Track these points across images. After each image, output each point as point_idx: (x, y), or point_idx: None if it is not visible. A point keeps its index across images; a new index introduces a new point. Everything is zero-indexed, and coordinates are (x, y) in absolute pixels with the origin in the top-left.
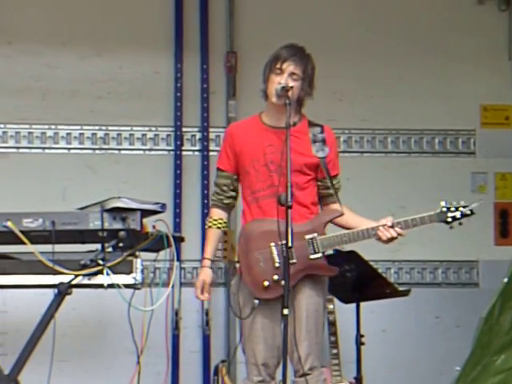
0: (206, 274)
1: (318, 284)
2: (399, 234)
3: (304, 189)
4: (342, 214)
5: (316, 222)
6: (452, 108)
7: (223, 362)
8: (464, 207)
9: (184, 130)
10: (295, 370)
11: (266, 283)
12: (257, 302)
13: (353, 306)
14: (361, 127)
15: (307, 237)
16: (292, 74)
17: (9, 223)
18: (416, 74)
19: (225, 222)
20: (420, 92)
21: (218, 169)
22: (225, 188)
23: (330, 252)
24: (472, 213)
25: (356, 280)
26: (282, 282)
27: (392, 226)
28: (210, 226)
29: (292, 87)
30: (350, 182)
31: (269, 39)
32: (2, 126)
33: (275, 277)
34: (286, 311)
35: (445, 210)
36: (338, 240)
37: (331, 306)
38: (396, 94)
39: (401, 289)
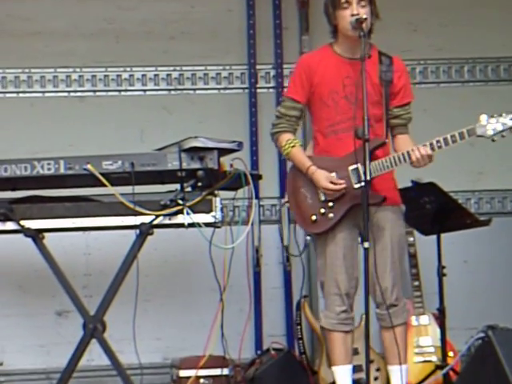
0: (324, 175)
1: (399, 214)
2: (428, 155)
3: (382, 120)
4: (384, 143)
5: (359, 152)
6: None
7: (305, 297)
8: (505, 117)
9: (258, 67)
10: (378, 302)
11: (314, 217)
12: (308, 238)
13: (433, 237)
14: (436, 57)
15: (350, 168)
16: (359, 1)
17: (89, 166)
18: (491, 2)
19: (300, 143)
20: (495, 20)
21: (290, 98)
22: (294, 119)
23: (408, 184)
24: None
25: (436, 211)
26: (330, 215)
27: (429, 147)
28: (293, 146)
29: (366, 19)
30: (427, 113)
31: None
32: (78, 69)
33: (322, 210)
34: (366, 244)
35: (485, 122)
36: (380, 166)
37: (411, 239)
38: (471, 22)
39: (481, 219)
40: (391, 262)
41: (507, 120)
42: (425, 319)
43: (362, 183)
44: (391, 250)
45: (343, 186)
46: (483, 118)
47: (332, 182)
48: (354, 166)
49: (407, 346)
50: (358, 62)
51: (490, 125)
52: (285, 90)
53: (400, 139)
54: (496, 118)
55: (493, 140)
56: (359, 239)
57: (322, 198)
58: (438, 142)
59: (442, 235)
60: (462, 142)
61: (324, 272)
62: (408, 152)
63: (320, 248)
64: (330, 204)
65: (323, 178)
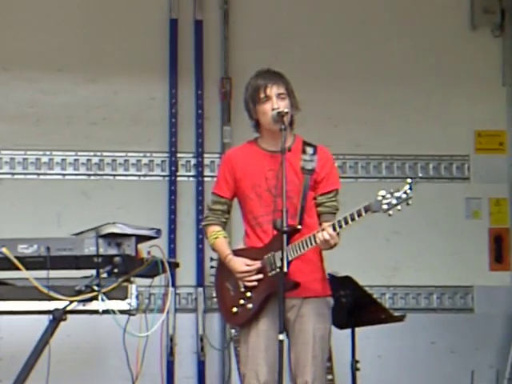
0: (239, 260)
1: (324, 306)
2: (331, 236)
3: (309, 210)
4: (297, 230)
5: (274, 241)
6: (446, 133)
7: None
8: (399, 192)
9: (179, 155)
10: None
11: (235, 309)
12: (233, 331)
13: (348, 331)
14: (355, 153)
15: (265, 256)
16: (279, 94)
17: (4, 249)
18: (410, 100)
19: (226, 234)
20: (414, 117)
21: (215, 194)
22: (219, 213)
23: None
24: (408, 196)
25: (351, 305)
26: (249, 306)
27: (331, 228)
28: (216, 237)
29: (287, 112)
30: (344, 207)
31: (263, 65)
32: None
33: (241, 301)
34: (281, 337)
35: (380, 198)
36: (291, 250)
37: None
38: (390, 119)
39: (396, 314)
40: (312, 356)
41: (401, 194)
42: None
43: (277, 270)
44: (313, 345)
45: (258, 265)
46: (380, 193)
47: (247, 265)
48: (269, 254)
49: None
50: (279, 154)
51: (385, 200)
52: (205, 179)
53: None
54: (391, 194)
55: (389, 214)
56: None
57: (242, 289)
58: (339, 222)
59: (357, 329)
60: (360, 218)
61: (246, 363)
62: (314, 235)
63: (243, 339)
64: (249, 294)
65: (238, 263)
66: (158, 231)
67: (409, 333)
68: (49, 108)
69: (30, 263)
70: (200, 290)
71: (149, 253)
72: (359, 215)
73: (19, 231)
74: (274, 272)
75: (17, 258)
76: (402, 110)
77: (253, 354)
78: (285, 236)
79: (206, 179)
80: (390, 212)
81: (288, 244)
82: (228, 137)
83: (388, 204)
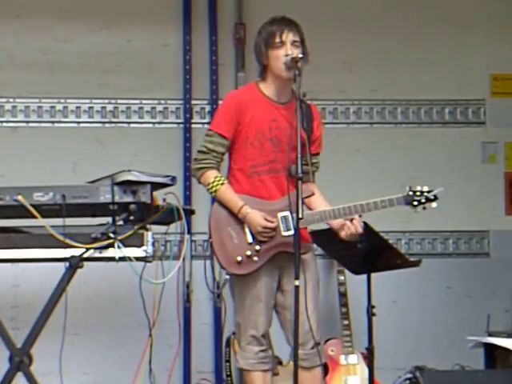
0: (259, 214)
1: (313, 252)
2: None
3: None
4: (312, 195)
5: (291, 199)
6: (462, 78)
7: (235, 333)
8: (428, 192)
9: (193, 102)
10: (300, 343)
11: (239, 258)
12: (227, 277)
13: (364, 276)
14: (370, 98)
15: (280, 214)
16: (293, 41)
17: (19, 197)
18: (425, 44)
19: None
20: (430, 62)
21: (218, 134)
22: (220, 155)
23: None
24: (435, 198)
25: (367, 251)
26: (255, 258)
27: (352, 220)
28: (222, 183)
29: (302, 57)
30: (359, 153)
31: (278, 10)
32: (11, 100)
33: (248, 252)
34: (297, 282)
35: (411, 193)
36: (310, 219)
37: (342, 278)
38: (405, 64)
39: (412, 259)
40: (313, 300)
41: (431, 195)
42: (353, 358)
43: (291, 231)
44: (312, 289)
45: (275, 224)
46: (413, 188)
47: (267, 220)
48: (284, 213)
49: None
50: (284, 106)
51: (416, 197)
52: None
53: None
54: (421, 192)
55: (416, 212)
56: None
57: (250, 240)
58: (368, 205)
59: (373, 275)
60: (391, 208)
61: (242, 313)
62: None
63: (238, 289)
64: (257, 247)
65: (259, 217)
66: (174, 178)
67: (425, 278)
68: (63, 55)
69: (46, 211)
70: None
71: (164, 200)
72: (391, 205)
73: (34, 179)
74: (288, 233)
75: (32, 205)
76: (416, 55)
77: (251, 303)
78: (300, 182)
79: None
80: (418, 209)
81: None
82: (242, 83)
83: (418, 201)
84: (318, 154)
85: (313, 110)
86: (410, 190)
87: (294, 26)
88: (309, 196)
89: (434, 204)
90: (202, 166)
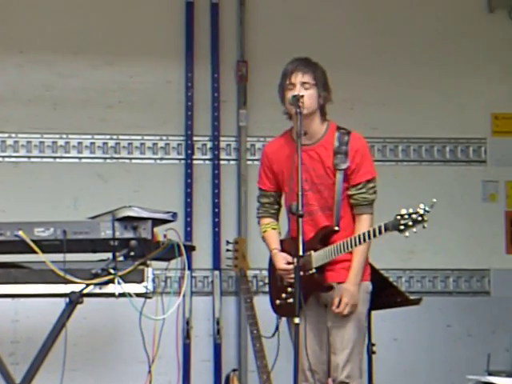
0: (281, 256)
1: (361, 293)
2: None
3: (343, 201)
4: (334, 231)
5: (314, 238)
6: (463, 117)
7: (234, 370)
8: (415, 213)
9: (195, 138)
10: (332, 377)
11: (278, 302)
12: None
13: None
14: (372, 135)
15: (305, 254)
16: (303, 83)
17: (20, 232)
18: (426, 82)
19: (276, 225)
20: (431, 101)
21: (259, 188)
22: (267, 206)
23: None
24: (423, 219)
25: None
26: (289, 300)
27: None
28: (265, 231)
29: (302, 96)
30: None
31: (279, 48)
32: (13, 135)
33: (283, 295)
34: (296, 320)
35: (398, 217)
36: (327, 254)
37: None
38: (406, 102)
39: (412, 297)
40: (346, 339)
41: (417, 217)
42: None
43: (313, 270)
44: (347, 328)
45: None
46: (401, 211)
47: (288, 262)
48: (307, 253)
49: None
50: (312, 147)
51: (403, 220)
52: (221, 162)
53: (356, 221)
54: (408, 215)
55: (405, 236)
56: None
57: (284, 283)
58: (356, 238)
59: (373, 312)
60: (380, 236)
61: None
62: (348, 241)
63: (290, 326)
64: (289, 289)
65: (280, 259)
66: (174, 214)
67: (425, 316)
68: (65, 91)
69: (47, 246)
70: (216, 272)
71: (165, 236)
72: (380, 233)
73: (36, 214)
74: (310, 272)
75: (33, 241)
76: (418, 93)
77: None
78: (300, 220)
79: (222, 162)
80: (406, 233)
81: (327, 244)
82: (244, 120)
83: (405, 225)
84: (358, 184)
85: (350, 140)
86: (397, 215)
87: (307, 65)
88: (328, 234)
89: (424, 224)
90: (258, 215)
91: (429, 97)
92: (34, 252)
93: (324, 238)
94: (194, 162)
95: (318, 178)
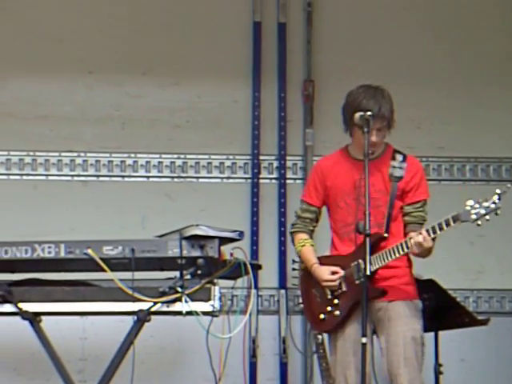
0: (324, 268)
1: (412, 309)
2: (419, 243)
3: (396, 219)
4: (383, 237)
5: (361, 248)
6: None
7: None
8: (488, 201)
9: (261, 158)
10: None
11: (322, 316)
12: (320, 337)
13: (431, 334)
14: (438, 155)
15: (352, 264)
16: (378, 129)
17: (89, 251)
18: (494, 102)
19: (313, 242)
20: (498, 120)
21: (305, 202)
22: (307, 221)
23: None
24: (496, 206)
25: (434, 308)
26: (336, 313)
27: (423, 231)
28: (303, 245)
29: (371, 115)
30: (428, 210)
31: (346, 68)
32: (82, 154)
33: (329, 308)
34: (364, 340)
35: (468, 207)
36: (378, 260)
37: None
38: (474, 121)
39: (480, 318)
40: (404, 358)
41: (489, 203)
42: None
43: (362, 279)
44: (404, 347)
45: (341, 273)
46: (468, 203)
47: (333, 273)
48: (355, 262)
49: None
50: (371, 162)
51: (474, 209)
52: (287, 181)
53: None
54: (479, 203)
55: (478, 224)
56: (372, 334)
57: (329, 296)
58: (427, 231)
59: (440, 332)
60: (449, 228)
61: (335, 368)
62: (405, 241)
63: (332, 344)
64: (336, 301)
65: (323, 271)
66: (241, 233)
67: (493, 337)
68: (133, 111)
69: (115, 264)
70: (282, 291)
71: (231, 255)
72: (447, 225)
73: (104, 233)
74: (360, 280)
75: (102, 259)
76: (485, 112)
77: (341, 358)
78: (367, 239)
79: (288, 181)
80: (479, 222)
81: (375, 252)
82: (310, 139)
83: (476, 214)
84: (416, 202)
85: (408, 160)
86: (466, 206)
87: (384, 111)
88: (378, 239)
89: (497, 211)
90: (292, 230)
91: (496, 116)
92: (103, 270)
93: (372, 245)
94: (261, 181)
95: (377, 193)
